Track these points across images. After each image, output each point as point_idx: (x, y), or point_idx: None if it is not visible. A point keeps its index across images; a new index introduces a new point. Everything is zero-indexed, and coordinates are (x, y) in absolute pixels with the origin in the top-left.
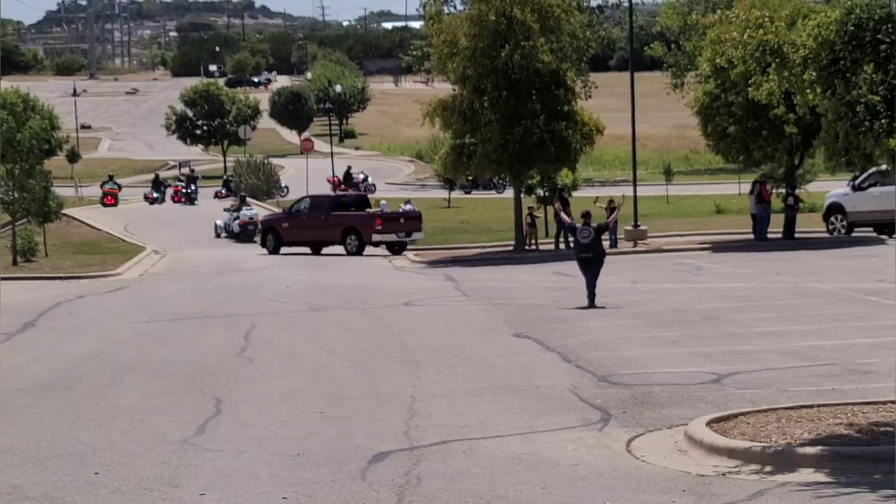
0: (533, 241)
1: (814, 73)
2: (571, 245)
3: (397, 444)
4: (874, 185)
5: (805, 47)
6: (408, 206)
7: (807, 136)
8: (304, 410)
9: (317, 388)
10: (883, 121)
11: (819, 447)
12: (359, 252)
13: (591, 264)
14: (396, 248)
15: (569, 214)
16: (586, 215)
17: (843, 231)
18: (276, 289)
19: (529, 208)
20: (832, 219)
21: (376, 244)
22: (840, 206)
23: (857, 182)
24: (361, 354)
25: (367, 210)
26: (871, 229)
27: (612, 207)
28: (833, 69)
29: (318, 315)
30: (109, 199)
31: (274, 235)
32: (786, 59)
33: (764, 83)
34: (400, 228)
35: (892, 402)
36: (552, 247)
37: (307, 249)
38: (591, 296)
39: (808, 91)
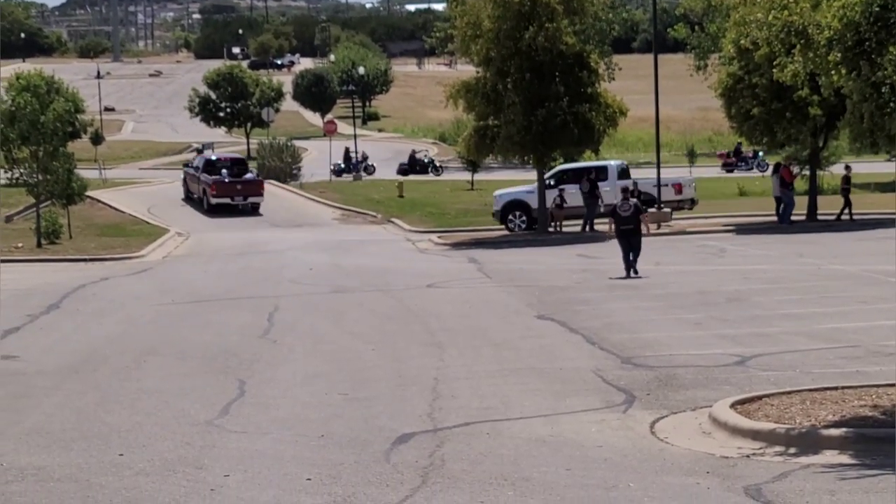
0: (558, 224)
1: (839, 55)
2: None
3: (421, 426)
4: None
5: (830, 28)
6: (249, 175)
7: (831, 117)
8: (327, 392)
9: (340, 370)
10: None
11: (843, 429)
12: (208, 211)
13: (631, 236)
14: (251, 209)
15: (599, 196)
16: (625, 190)
17: None
18: (300, 271)
19: (560, 189)
20: None
21: (215, 206)
22: None
23: None
24: (384, 336)
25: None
26: None
27: (639, 192)
28: (858, 50)
29: (341, 297)
30: None
31: (185, 188)
32: (811, 41)
33: (788, 65)
34: (236, 193)
35: None
36: (577, 229)
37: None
38: (631, 264)
39: (833, 72)
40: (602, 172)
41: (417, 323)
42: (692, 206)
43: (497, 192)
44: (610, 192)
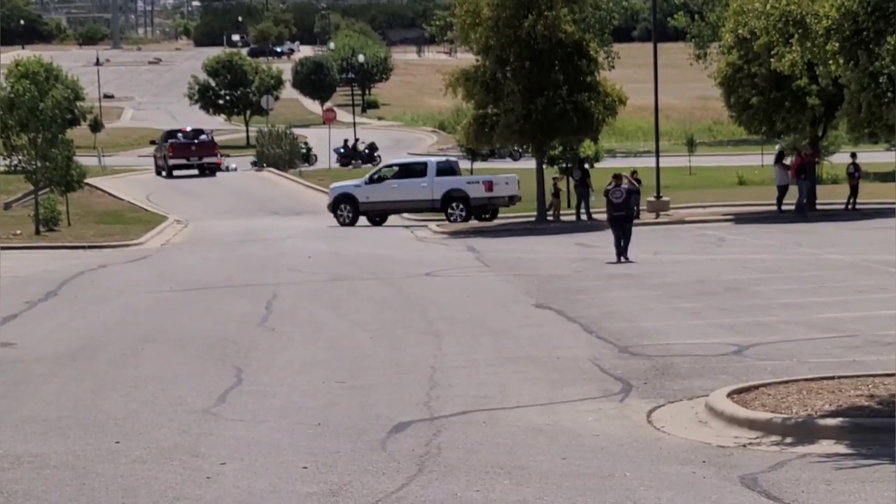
0: (556, 212)
1: (837, 44)
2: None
3: (418, 415)
4: None
5: (828, 18)
6: (203, 137)
7: (830, 107)
8: (324, 380)
9: (338, 358)
10: None
11: (840, 419)
12: (168, 174)
13: (623, 222)
14: (206, 172)
15: (589, 185)
16: (617, 177)
17: None
18: (298, 259)
19: (554, 179)
20: None
21: (172, 167)
22: None
23: None
24: (383, 325)
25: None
26: None
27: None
28: (856, 40)
29: (339, 285)
30: None
31: (155, 165)
32: (808, 30)
33: (786, 54)
34: (192, 154)
35: None
36: (573, 217)
37: None
38: (622, 251)
39: (831, 62)
40: (421, 169)
41: (415, 311)
42: (511, 204)
43: (332, 185)
44: (427, 187)
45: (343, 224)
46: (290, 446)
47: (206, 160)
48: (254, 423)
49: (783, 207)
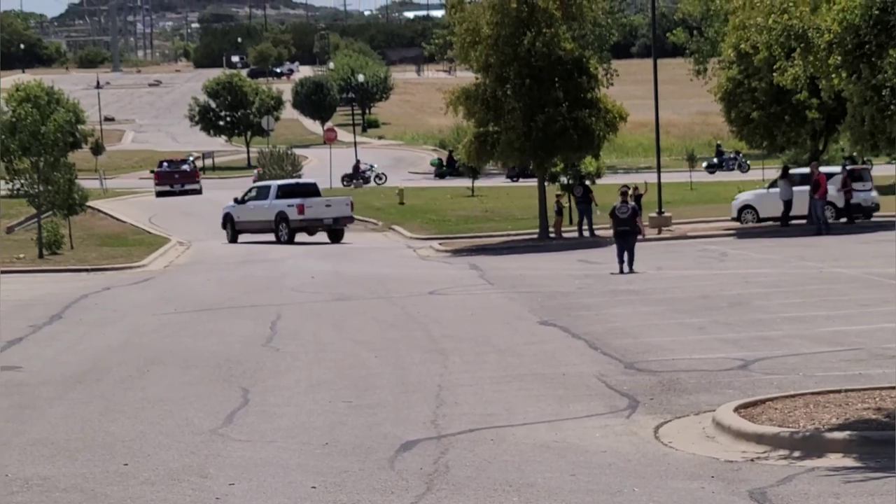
0: (559, 229)
1: (839, 58)
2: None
3: (425, 433)
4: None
5: (830, 32)
6: (185, 166)
7: (830, 121)
8: (331, 400)
9: (343, 378)
10: None
11: (847, 432)
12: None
13: (628, 237)
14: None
15: (591, 201)
16: (624, 193)
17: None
18: (301, 279)
19: (557, 196)
20: None
21: (158, 193)
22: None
23: None
24: (387, 344)
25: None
26: None
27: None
28: (858, 53)
29: (343, 305)
30: None
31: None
32: (810, 44)
33: (788, 68)
34: (174, 182)
35: None
36: (576, 234)
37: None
38: (627, 262)
39: (834, 76)
40: (266, 191)
41: (420, 330)
42: (339, 226)
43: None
44: (268, 209)
45: (229, 241)
46: (299, 466)
47: (187, 186)
48: (261, 444)
49: (789, 222)
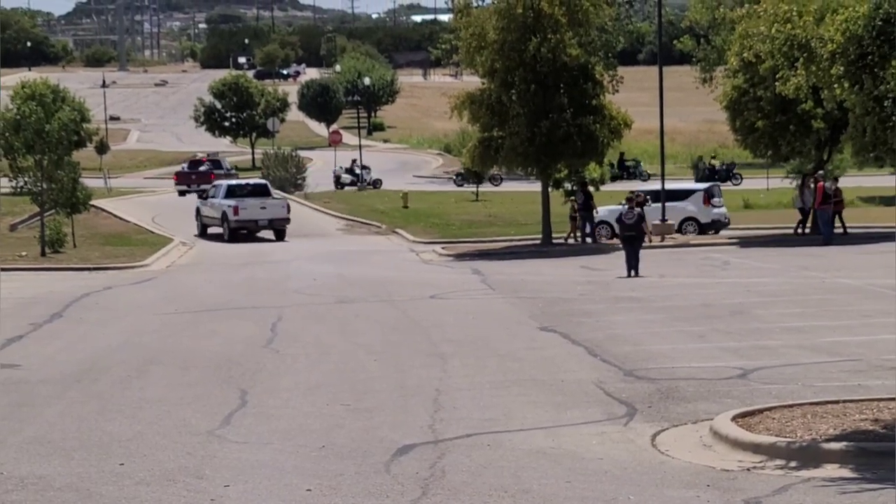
0: (574, 234)
1: (841, 68)
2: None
3: (422, 437)
4: None
5: (833, 42)
6: (202, 167)
7: (835, 131)
8: (329, 403)
9: (342, 381)
10: None
11: (844, 443)
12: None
13: (634, 241)
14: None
15: (592, 208)
16: (630, 200)
17: None
18: (304, 281)
19: (571, 201)
20: None
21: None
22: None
23: None
24: (387, 347)
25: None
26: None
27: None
28: (861, 64)
29: (344, 307)
30: None
31: None
32: (814, 54)
33: (792, 78)
34: (192, 182)
35: None
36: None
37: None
38: (633, 267)
39: (836, 86)
40: (217, 190)
41: (420, 334)
42: (274, 227)
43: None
44: (217, 207)
45: (198, 234)
46: (295, 469)
47: (203, 186)
48: (258, 446)
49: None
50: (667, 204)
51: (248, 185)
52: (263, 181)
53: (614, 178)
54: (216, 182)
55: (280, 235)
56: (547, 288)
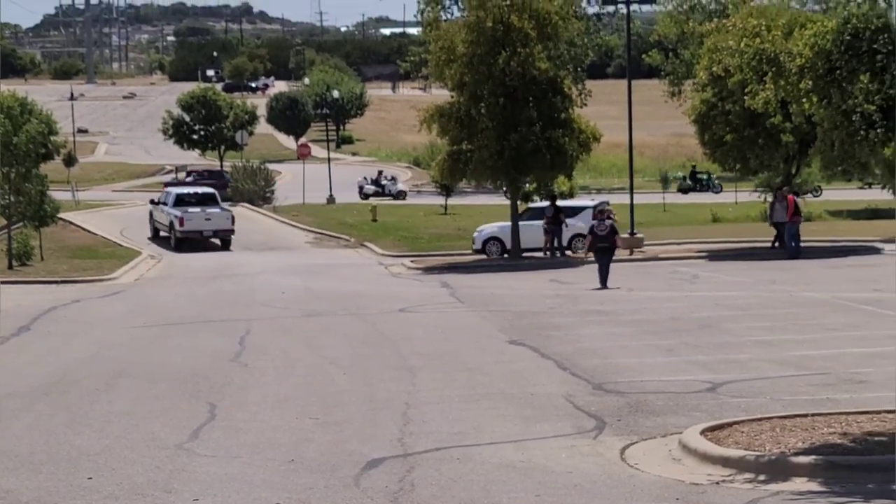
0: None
1: (810, 83)
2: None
3: (391, 451)
4: None
5: (801, 56)
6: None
7: (803, 144)
8: (298, 416)
9: (311, 394)
10: (879, 130)
11: (813, 456)
12: None
13: (606, 252)
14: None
15: (562, 221)
16: (601, 212)
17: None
18: (272, 294)
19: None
20: None
21: None
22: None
23: None
24: (356, 360)
25: None
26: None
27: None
28: (829, 78)
29: (313, 321)
30: None
31: None
32: (782, 68)
33: (760, 92)
34: None
35: (887, 411)
36: (547, 254)
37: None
38: (604, 278)
39: (805, 100)
40: (166, 198)
41: (389, 347)
42: (218, 237)
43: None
44: (167, 216)
45: (150, 237)
46: (264, 482)
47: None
48: (227, 459)
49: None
50: (529, 223)
51: (196, 193)
52: (211, 190)
53: (686, 191)
54: (167, 189)
55: (225, 245)
56: (516, 301)
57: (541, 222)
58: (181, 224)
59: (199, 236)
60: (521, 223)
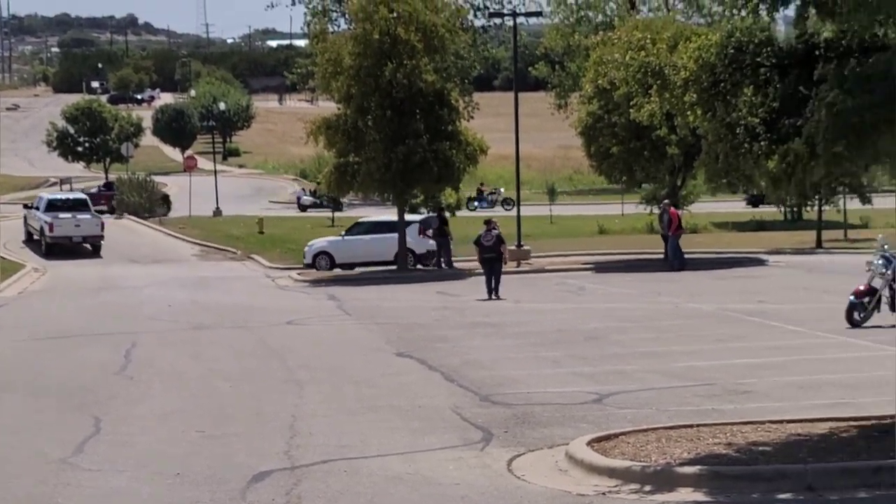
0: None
1: (695, 95)
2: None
3: (278, 464)
4: None
5: (686, 69)
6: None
7: (689, 157)
8: (185, 429)
9: (198, 407)
10: (762, 143)
11: (698, 467)
12: None
13: (493, 263)
14: None
15: (447, 234)
16: (488, 223)
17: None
18: (159, 307)
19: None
20: None
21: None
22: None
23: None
24: (244, 373)
25: None
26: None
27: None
28: (713, 91)
29: (200, 333)
30: None
31: None
32: (667, 81)
33: (645, 104)
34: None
35: (771, 421)
36: (434, 266)
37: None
38: (492, 289)
39: (689, 113)
40: (39, 203)
41: (276, 360)
42: (88, 243)
43: None
44: (38, 221)
45: (24, 241)
46: (150, 496)
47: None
48: (113, 473)
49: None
50: (384, 235)
51: (67, 199)
52: (83, 196)
53: (472, 206)
54: (40, 194)
55: (96, 251)
56: (403, 313)
57: (369, 237)
58: (51, 230)
59: (69, 242)
60: (348, 237)
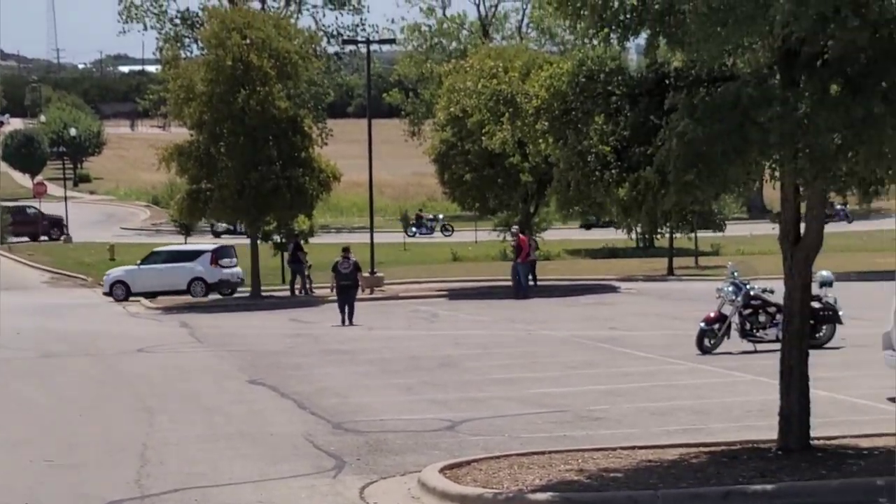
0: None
1: (546, 123)
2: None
3: (128, 493)
4: None
5: (538, 97)
6: None
7: (542, 184)
8: (32, 459)
9: (46, 437)
10: (613, 171)
11: (550, 493)
12: None
13: (349, 290)
14: None
15: (302, 260)
16: (346, 250)
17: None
18: (5, 335)
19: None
20: None
21: None
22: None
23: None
24: (93, 402)
25: None
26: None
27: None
28: (565, 119)
29: (49, 362)
30: None
31: None
32: (519, 109)
33: (498, 132)
34: None
35: (622, 448)
36: (287, 293)
37: None
38: (349, 315)
39: (541, 140)
40: None
41: (127, 388)
42: None
43: None
44: None
45: None
46: None
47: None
48: None
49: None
50: (177, 264)
51: None
52: None
53: (412, 232)
54: None
55: None
56: (256, 341)
57: (163, 266)
58: None
59: None
60: (144, 267)
